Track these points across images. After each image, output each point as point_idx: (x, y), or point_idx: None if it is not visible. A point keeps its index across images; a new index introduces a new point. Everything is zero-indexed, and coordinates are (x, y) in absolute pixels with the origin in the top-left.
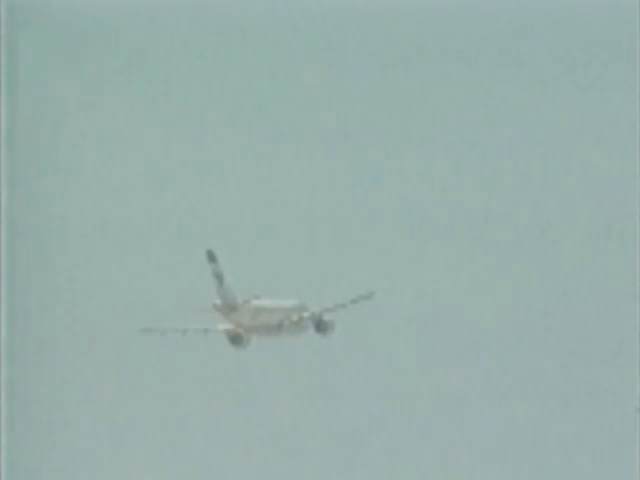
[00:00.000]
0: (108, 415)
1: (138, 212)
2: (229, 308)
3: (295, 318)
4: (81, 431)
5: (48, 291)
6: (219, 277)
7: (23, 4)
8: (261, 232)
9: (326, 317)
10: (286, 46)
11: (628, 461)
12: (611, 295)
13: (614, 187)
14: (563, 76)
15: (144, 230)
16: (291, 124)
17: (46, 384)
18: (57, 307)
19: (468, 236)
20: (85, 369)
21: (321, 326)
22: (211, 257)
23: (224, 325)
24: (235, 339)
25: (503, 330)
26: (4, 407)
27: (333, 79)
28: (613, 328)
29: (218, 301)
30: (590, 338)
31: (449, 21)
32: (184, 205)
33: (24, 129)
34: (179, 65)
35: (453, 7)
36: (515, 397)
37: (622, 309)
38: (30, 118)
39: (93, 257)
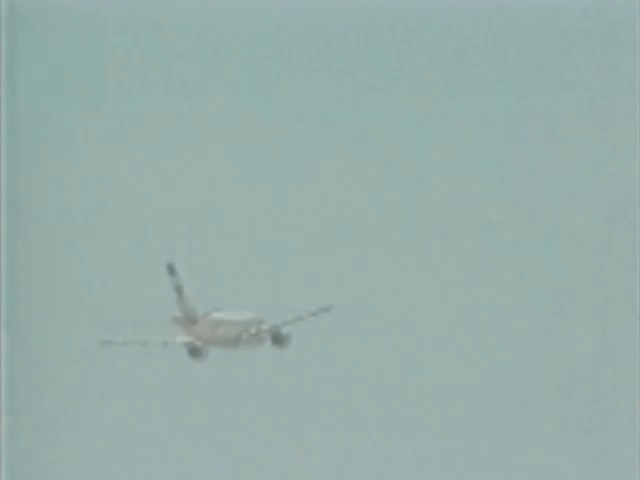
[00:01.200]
0: (66, 428)
1: (96, 223)
2: (189, 321)
3: (253, 331)
4: (37, 443)
5: (12, 302)
6: (179, 290)
7: (23, 4)
8: (221, 244)
9: (283, 330)
10: (281, 48)
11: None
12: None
13: (615, 187)
14: (562, 75)
15: (104, 241)
16: (261, 138)
17: (4, 396)
18: (12, 320)
19: (432, 249)
20: (43, 382)
21: (278, 339)
22: (171, 270)
23: (183, 338)
24: (193, 351)
25: (462, 344)
26: None
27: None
28: (615, 329)
29: (178, 314)
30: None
31: (445, 21)
32: (145, 216)
33: (24, 129)
34: (180, 66)
35: (448, 7)
36: (488, 409)
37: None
38: (30, 118)
39: (53, 267)
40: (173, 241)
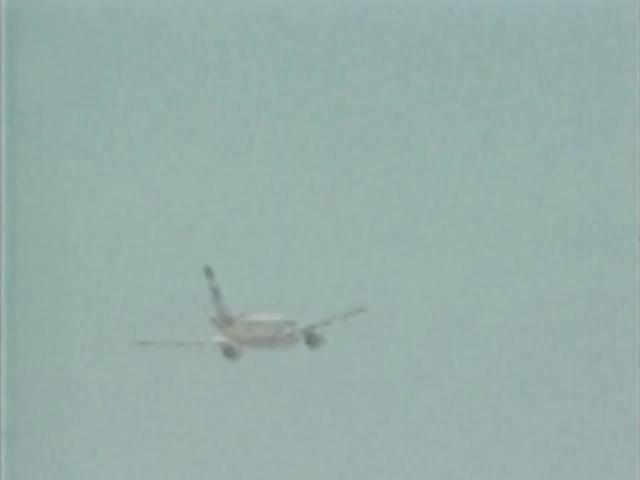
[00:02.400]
0: (106, 424)
1: (136, 225)
2: (225, 321)
3: (287, 331)
4: (78, 441)
5: (46, 304)
6: (216, 292)
7: (23, 4)
8: (257, 248)
9: (317, 331)
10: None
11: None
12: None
13: (614, 187)
14: (564, 75)
15: (143, 244)
16: (288, 142)
17: (44, 395)
18: (55, 320)
19: (460, 248)
20: (83, 381)
21: (312, 339)
22: (208, 273)
23: (219, 338)
24: (228, 351)
25: (492, 341)
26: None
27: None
28: (615, 328)
29: (214, 315)
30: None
31: (450, 21)
32: (183, 220)
33: (24, 129)
34: (179, 65)
35: (451, 7)
36: (513, 403)
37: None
38: (30, 118)
39: (91, 270)
40: (207, 243)
